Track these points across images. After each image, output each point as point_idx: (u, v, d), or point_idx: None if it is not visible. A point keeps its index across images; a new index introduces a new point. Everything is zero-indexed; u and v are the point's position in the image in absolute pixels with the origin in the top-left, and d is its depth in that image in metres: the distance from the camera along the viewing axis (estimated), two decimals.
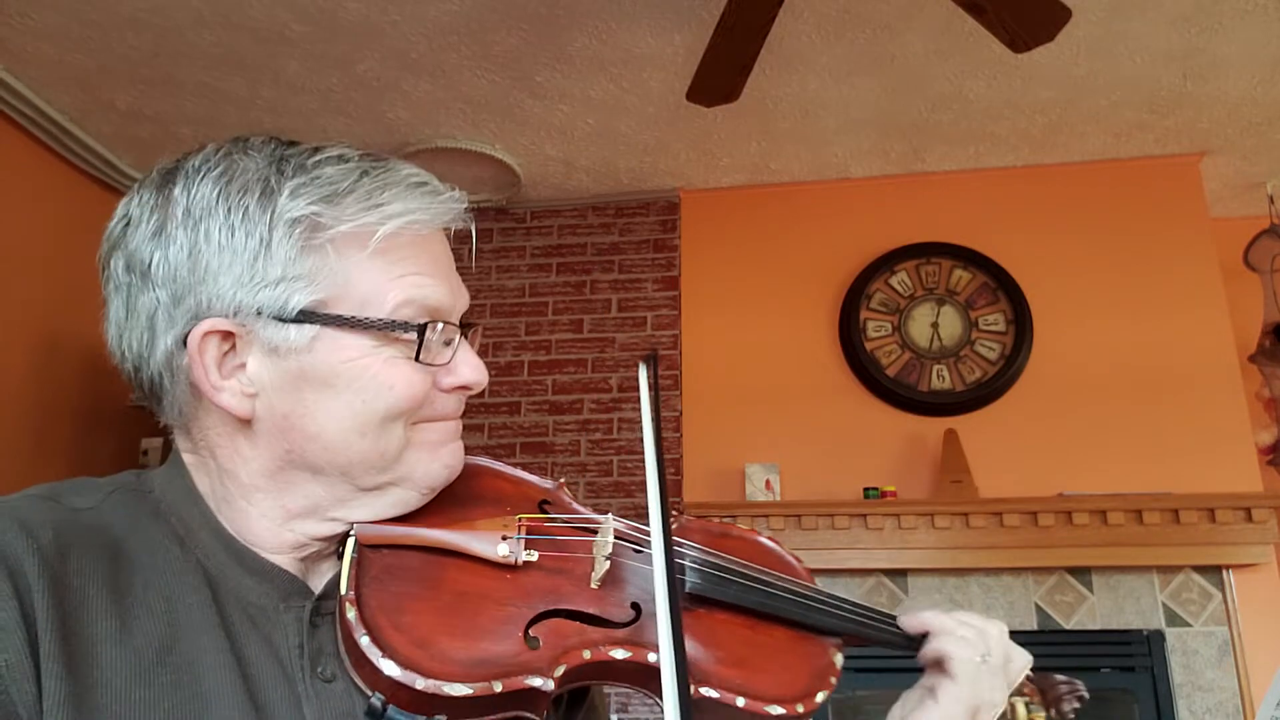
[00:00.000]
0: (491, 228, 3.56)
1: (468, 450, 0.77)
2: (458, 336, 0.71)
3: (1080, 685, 0.83)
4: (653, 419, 0.70)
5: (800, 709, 0.70)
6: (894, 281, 3.25)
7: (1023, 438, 3.05)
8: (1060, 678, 0.83)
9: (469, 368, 0.71)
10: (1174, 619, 2.82)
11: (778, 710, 0.69)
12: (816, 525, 2.93)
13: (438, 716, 0.61)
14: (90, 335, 2.84)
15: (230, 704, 0.60)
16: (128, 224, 0.67)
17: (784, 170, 3.34)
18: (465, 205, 0.72)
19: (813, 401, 3.19)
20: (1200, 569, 2.85)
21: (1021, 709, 0.82)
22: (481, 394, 3.83)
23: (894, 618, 0.80)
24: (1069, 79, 2.79)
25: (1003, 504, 2.85)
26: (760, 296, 3.32)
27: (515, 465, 0.81)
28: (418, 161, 3.64)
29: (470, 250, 0.76)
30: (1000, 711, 0.77)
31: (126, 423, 3.15)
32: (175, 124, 2.96)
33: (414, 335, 0.66)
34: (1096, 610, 2.86)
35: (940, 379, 3.14)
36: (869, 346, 3.18)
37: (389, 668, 0.60)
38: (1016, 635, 0.80)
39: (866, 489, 2.96)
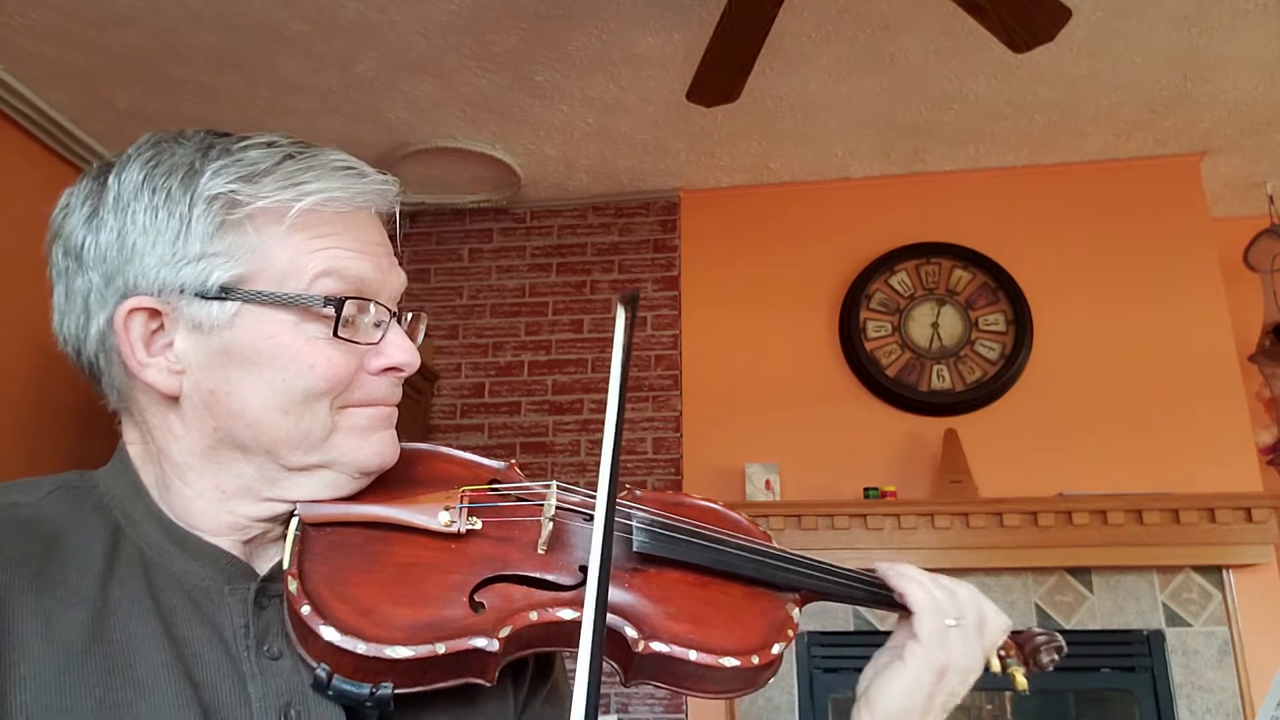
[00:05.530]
0: (491, 228, 3.55)
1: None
2: (388, 318, 0.70)
3: (1059, 637, 0.82)
4: (621, 372, 0.66)
5: (755, 660, 0.71)
6: (894, 281, 3.24)
7: (1023, 438, 3.05)
8: (1038, 630, 0.82)
9: (398, 348, 0.70)
10: (1174, 619, 2.82)
11: (731, 662, 0.70)
12: (816, 525, 2.93)
13: (383, 684, 0.62)
14: None
15: (166, 685, 0.60)
16: (67, 212, 0.69)
17: (784, 170, 3.33)
18: (395, 190, 0.72)
19: (813, 401, 3.19)
20: (1200, 569, 2.84)
21: (995, 663, 0.79)
22: (482, 394, 3.80)
23: (855, 573, 0.79)
24: (1069, 79, 2.79)
25: (1002, 504, 2.85)
26: (760, 297, 3.32)
27: (466, 449, 0.81)
28: (417, 161, 3.60)
29: (397, 240, 0.74)
30: (978, 675, 0.76)
31: None
32: (173, 123, 2.92)
33: (332, 311, 0.66)
34: (1096, 610, 2.86)
35: (940, 379, 3.13)
36: (869, 346, 3.18)
37: (329, 634, 0.61)
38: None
39: (866, 489, 2.96)
